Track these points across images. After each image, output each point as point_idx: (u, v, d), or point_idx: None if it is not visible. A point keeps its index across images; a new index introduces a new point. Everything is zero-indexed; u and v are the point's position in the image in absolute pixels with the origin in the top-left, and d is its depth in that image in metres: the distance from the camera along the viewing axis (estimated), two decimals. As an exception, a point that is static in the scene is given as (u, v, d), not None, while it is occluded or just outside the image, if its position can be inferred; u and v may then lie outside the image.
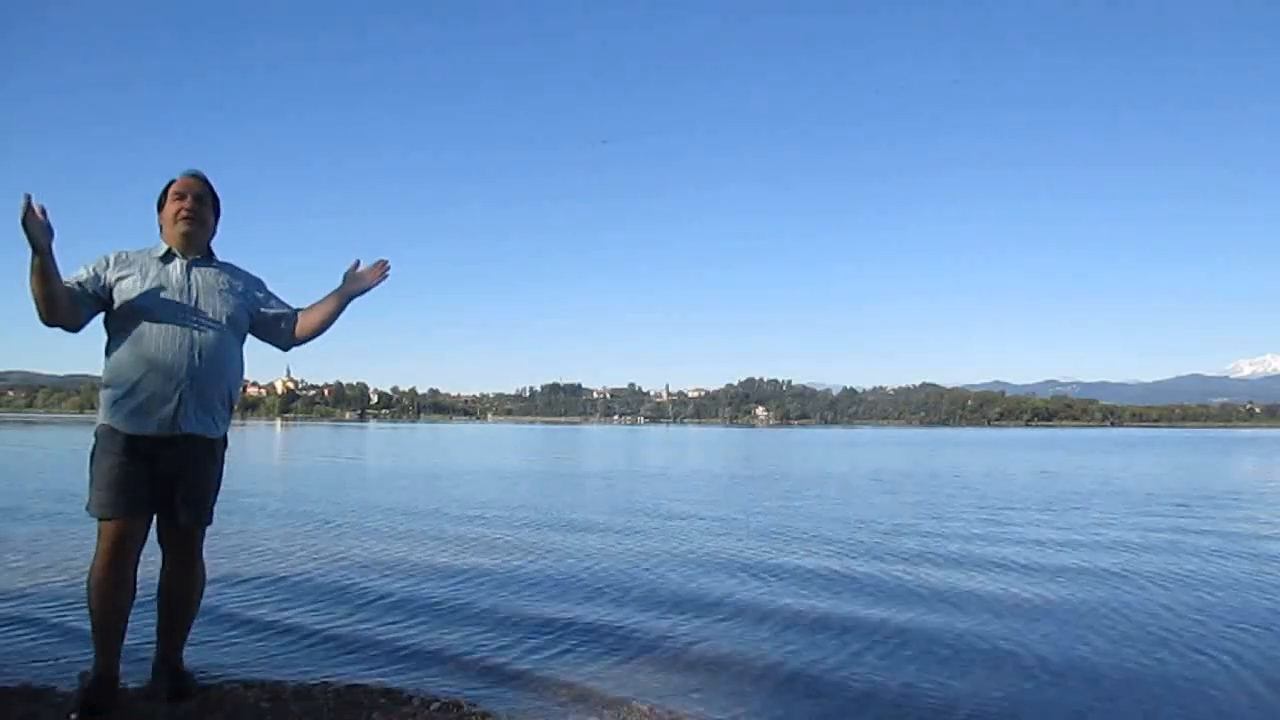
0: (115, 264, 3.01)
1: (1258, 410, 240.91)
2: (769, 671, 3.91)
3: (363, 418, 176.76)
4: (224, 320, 3.08)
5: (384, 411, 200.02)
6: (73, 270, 2.96)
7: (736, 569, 6.51)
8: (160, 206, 3.15)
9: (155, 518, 3.04)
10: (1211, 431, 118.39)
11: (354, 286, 3.39)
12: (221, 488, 3.26)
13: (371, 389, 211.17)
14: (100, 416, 2.97)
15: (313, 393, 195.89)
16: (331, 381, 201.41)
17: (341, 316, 3.40)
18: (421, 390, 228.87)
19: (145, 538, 3.00)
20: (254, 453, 27.20)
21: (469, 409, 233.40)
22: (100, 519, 2.90)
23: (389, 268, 3.47)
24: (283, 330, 3.32)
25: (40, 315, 2.82)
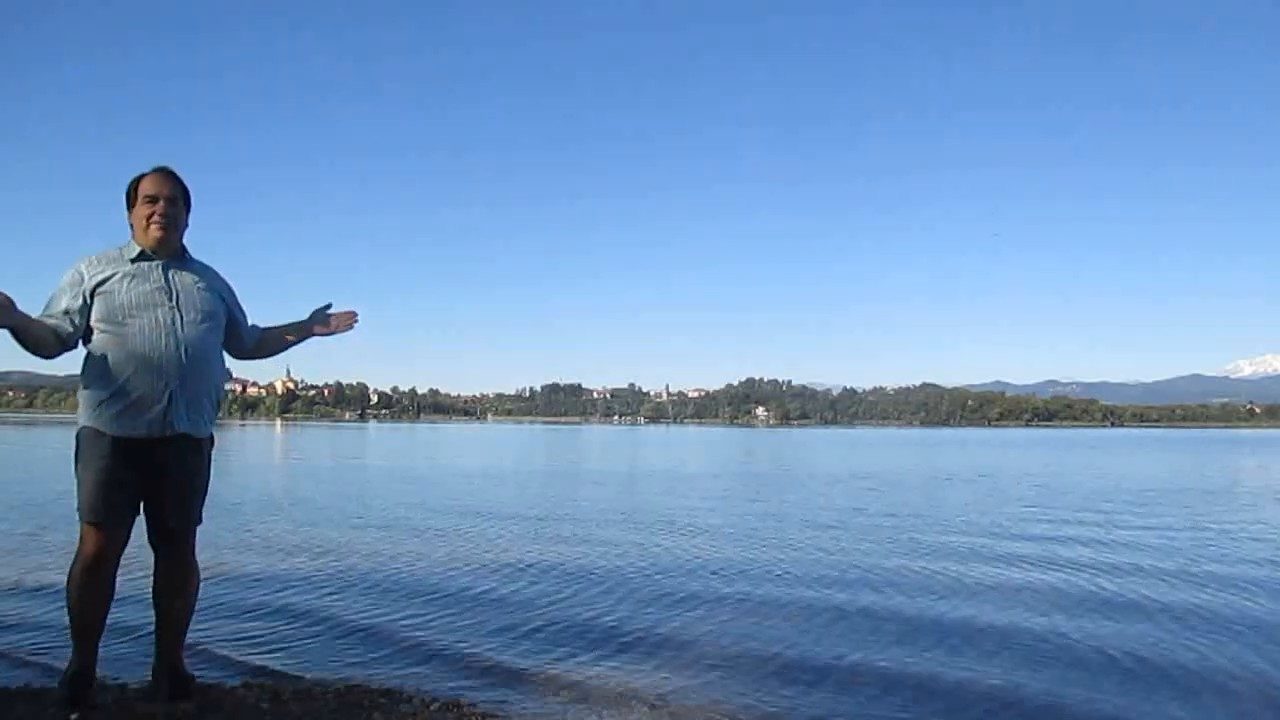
0: (89, 274, 2.93)
1: (1258, 410, 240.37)
2: (784, 668, 3.92)
3: (363, 418, 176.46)
4: (206, 319, 3.04)
5: (384, 411, 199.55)
6: (54, 287, 2.91)
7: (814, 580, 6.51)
8: (130, 203, 3.05)
9: (145, 519, 3.01)
10: (1214, 431, 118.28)
11: (321, 330, 3.39)
12: (213, 487, 3.23)
13: (371, 389, 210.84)
14: (82, 419, 2.92)
15: (313, 393, 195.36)
16: (331, 381, 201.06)
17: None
18: (421, 390, 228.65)
19: (128, 540, 2.97)
20: (254, 453, 27.21)
21: (469, 409, 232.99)
22: (89, 524, 2.88)
23: (357, 320, 3.45)
24: (243, 341, 3.30)
25: (33, 354, 2.84)
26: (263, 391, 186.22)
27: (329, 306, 3.42)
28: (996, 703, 3.54)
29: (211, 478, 3.18)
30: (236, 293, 3.31)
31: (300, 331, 3.40)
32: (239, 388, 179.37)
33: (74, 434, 2.97)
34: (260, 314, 3.35)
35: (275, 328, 3.40)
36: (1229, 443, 52.60)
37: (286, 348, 3.43)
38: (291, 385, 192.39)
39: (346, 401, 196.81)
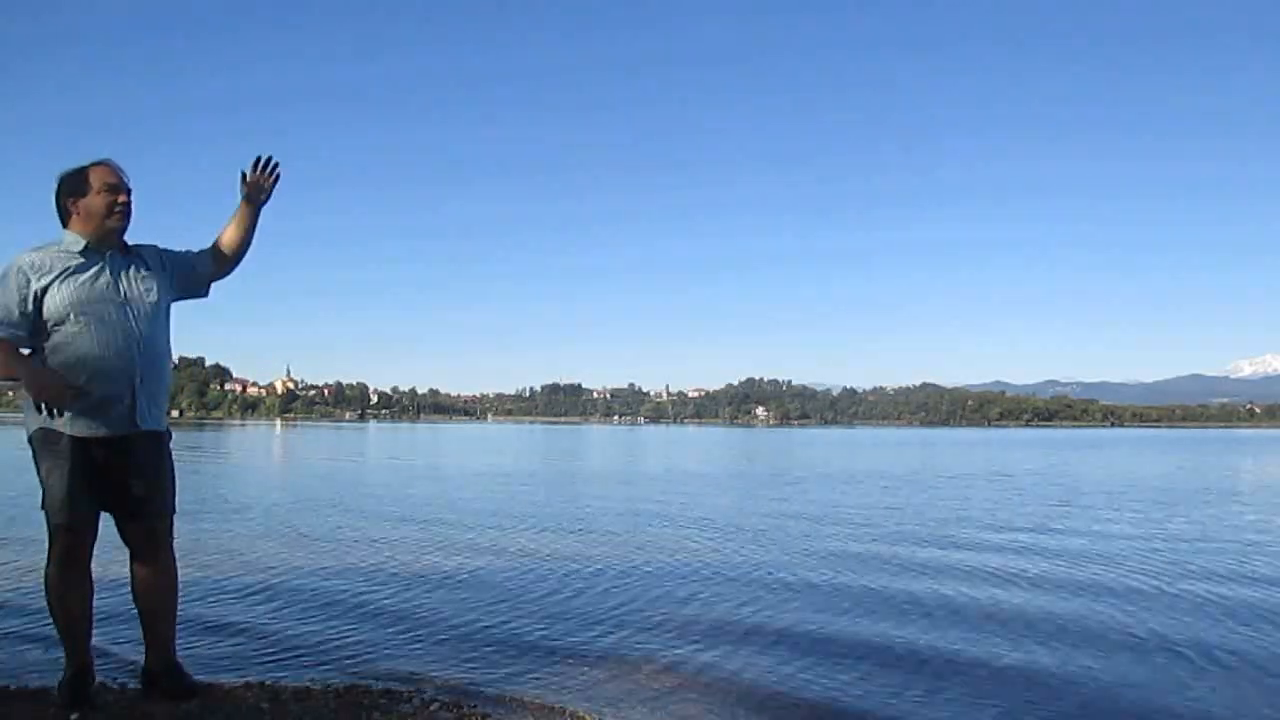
0: (34, 275, 2.85)
1: (1258, 410, 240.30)
2: (781, 677, 3.91)
3: (363, 418, 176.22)
4: (155, 311, 3.02)
5: (384, 412, 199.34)
6: None
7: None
8: (76, 192, 2.95)
9: (116, 520, 3.00)
10: (1215, 431, 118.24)
11: (258, 195, 3.21)
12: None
13: (371, 389, 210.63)
14: (37, 420, 2.85)
15: (313, 393, 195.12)
16: (331, 381, 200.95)
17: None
18: (421, 390, 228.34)
19: (96, 535, 2.97)
20: (254, 454, 27.23)
21: (469, 409, 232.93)
22: (58, 525, 2.87)
23: (277, 167, 3.20)
24: (200, 279, 3.24)
25: None
26: (263, 392, 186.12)
27: (245, 177, 3.19)
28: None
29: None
30: (169, 246, 3.22)
31: (244, 215, 3.23)
32: (239, 387, 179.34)
33: (27, 436, 2.91)
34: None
35: (226, 229, 3.26)
36: (1232, 443, 52.60)
37: (246, 237, 3.26)
38: (291, 385, 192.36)
39: (346, 401, 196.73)
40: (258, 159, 3.18)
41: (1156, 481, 17.13)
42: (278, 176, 3.24)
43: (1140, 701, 3.57)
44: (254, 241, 3.30)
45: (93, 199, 2.94)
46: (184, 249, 3.28)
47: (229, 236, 3.28)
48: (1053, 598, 5.62)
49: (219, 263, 3.28)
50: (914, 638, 4.54)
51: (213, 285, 3.34)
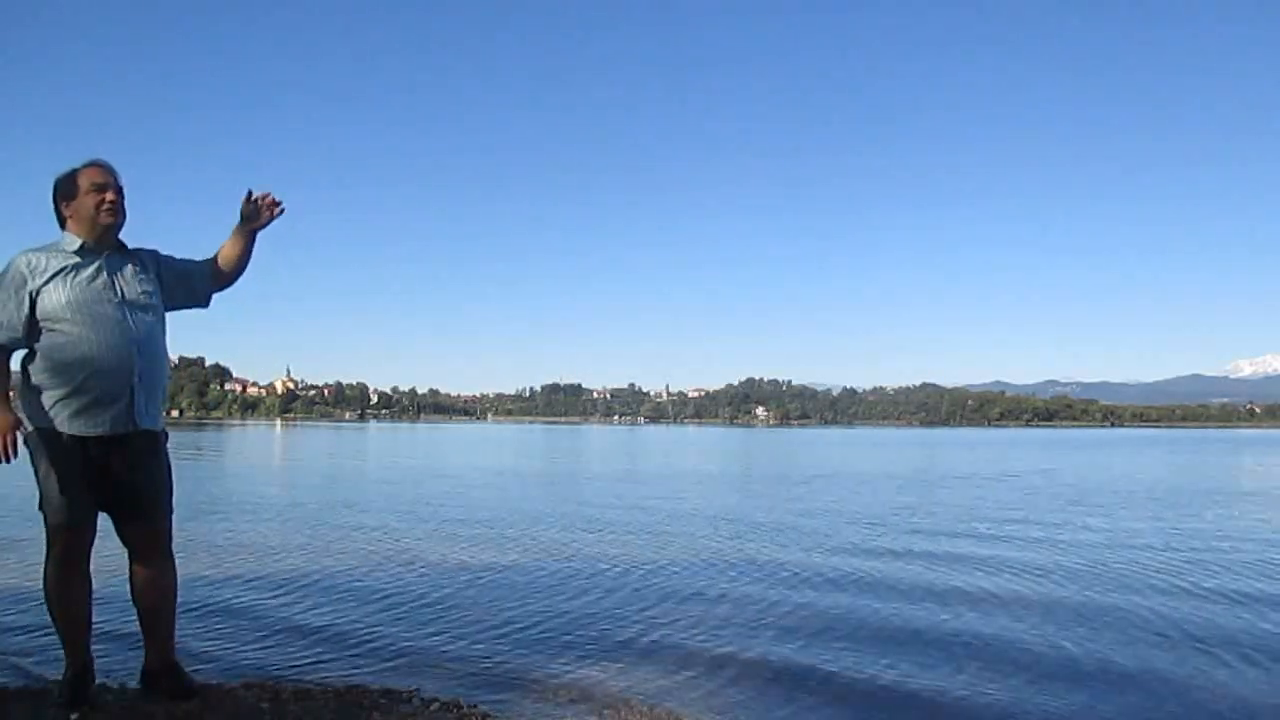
0: (31, 274, 2.89)
1: (1258, 410, 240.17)
2: (779, 676, 3.91)
3: (363, 418, 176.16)
4: (151, 311, 3.04)
5: (384, 412, 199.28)
6: None
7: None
8: (67, 195, 3.00)
9: (114, 521, 3.02)
10: (1215, 431, 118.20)
11: (256, 224, 3.24)
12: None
13: (371, 389, 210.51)
14: (34, 419, 2.89)
15: (313, 393, 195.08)
16: (331, 381, 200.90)
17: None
18: (421, 390, 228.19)
19: (95, 535, 2.98)
20: (254, 453, 27.24)
21: (469, 409, 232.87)
22: (56, 525, 2.88)
23: (280, 205, 3.26)
24: (197, 291, 3.27)
25: None
26: (263, 392, 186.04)
27: (250, 195, 3.22)
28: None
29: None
30: (168, 251, 3.23)
31: (240, 237, 3.26)
32: (239, 387, 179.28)
33: (24, 436, 2.90)
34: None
35: (224, 249, 3.28)
36: (1234, 443, 52.54)
37: (243, 258, 3.29)
38: (291, 385, 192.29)
39: (346, 401, 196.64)
40: (266, 194, 3.23)
41: (1163, 481, 17.12)
42: (281, 212, 3.28)
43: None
44: (252, 258, 3.31)
45: (82, 200, 2.98)
46: (185, 257, 3.28)
47: (226, 257, 3.29)
48: (1072, 616, 5.60)
49: (217, 279, 3.31)
50: (930, 662, 4.52)
51: (212, 297, 3.35)
